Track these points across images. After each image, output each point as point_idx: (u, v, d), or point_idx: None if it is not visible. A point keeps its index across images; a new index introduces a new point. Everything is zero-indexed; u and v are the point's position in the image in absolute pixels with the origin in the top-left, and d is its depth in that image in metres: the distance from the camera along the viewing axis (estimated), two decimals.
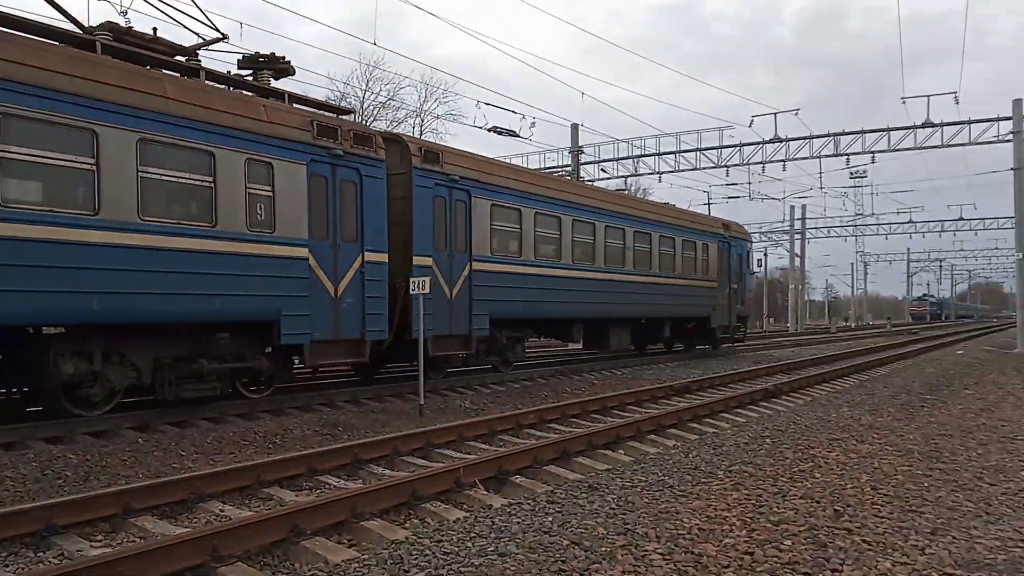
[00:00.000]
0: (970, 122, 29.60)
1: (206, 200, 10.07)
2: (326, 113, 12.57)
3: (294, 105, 11.89)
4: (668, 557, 4.90)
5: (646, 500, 6.31)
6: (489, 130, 17.43)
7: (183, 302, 9.72)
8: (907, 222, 58.55)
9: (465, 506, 6.57)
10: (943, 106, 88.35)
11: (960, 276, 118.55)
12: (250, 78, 11.87)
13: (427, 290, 11.67)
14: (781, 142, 32.32)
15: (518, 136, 18.32)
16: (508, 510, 6.03)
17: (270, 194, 10.81)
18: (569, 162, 33.34)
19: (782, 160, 32.75)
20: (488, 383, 14.91)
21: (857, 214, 57.96)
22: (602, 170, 34.59)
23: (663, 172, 34.78)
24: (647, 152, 34.59)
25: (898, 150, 30.87)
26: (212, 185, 10.10)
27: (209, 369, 10.40)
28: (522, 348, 17.11)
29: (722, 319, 24.59)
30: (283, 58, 12.30)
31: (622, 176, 33.74)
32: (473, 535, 5.33)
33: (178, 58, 10.95)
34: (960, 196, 78.45)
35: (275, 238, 10.83)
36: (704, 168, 34.35)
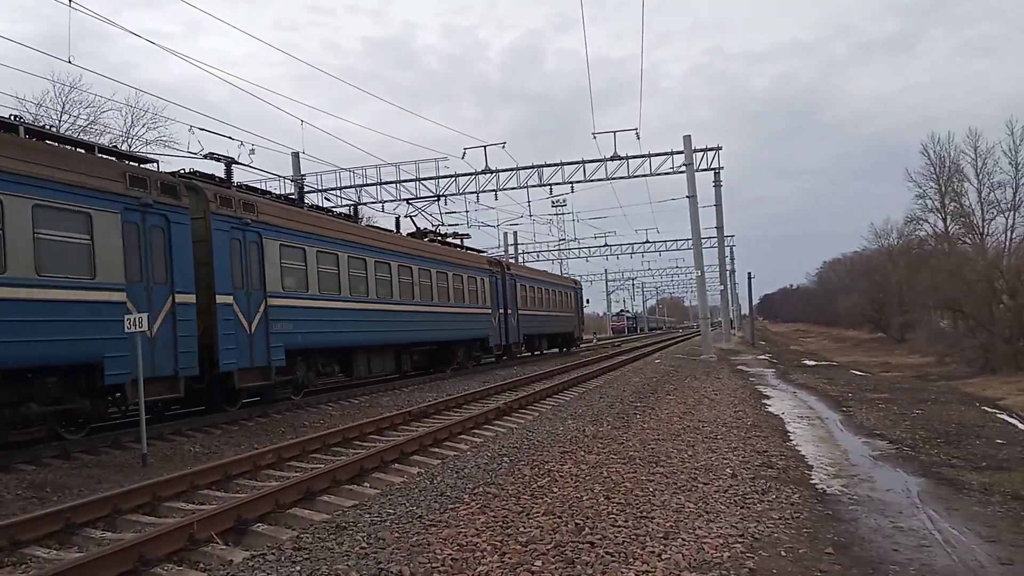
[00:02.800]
0: (650, 155, 33.36)
1: (447, 290, 24.97)
2: (482, 251, 32.60)
3: (472, 250, 30.07)
4: None
5: (397, 534, 6.21)
6: (205, 156, 16.37)
7: (427, 335, 23.79)
8: (603, 246, 64.67)
9: (202, 565, 5.98)
10: (628, 140, 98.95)
11: (649, 292, 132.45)
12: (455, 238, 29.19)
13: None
14: (492, 173, 34.12)
15: (237, 163, 17.41)
16: (251, 563, 5.60)
17: (475, 289, 27.31)
18: (292, 190, 32.47)
19: (494, 190, 34.63)
20: (219, 423, 13.89)
21: (561, 239, 62.76)
22: (326, 198, 34.20)
23: (385, 201, 35.32)
24: (369, 181, 34.88)
25: (592, 180, 33.96)
26: (455, 285, 26.06)
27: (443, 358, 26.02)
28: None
29: (576, 332, 45.79)
30: (467, 234, 30.39)
31: (346, 204, 33.55)
32: None
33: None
34: (646, 221, 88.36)
35: (474, 305, 27.43)
36: (424, 197, 35.35)
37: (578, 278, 50.66)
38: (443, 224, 30.27)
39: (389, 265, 20.87)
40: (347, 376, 19.39)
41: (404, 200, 30.07)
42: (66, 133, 30.48)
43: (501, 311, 30.31)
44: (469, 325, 26.94)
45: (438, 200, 30.33)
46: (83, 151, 12.47)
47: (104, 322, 11.31)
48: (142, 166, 13.26)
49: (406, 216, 28.21)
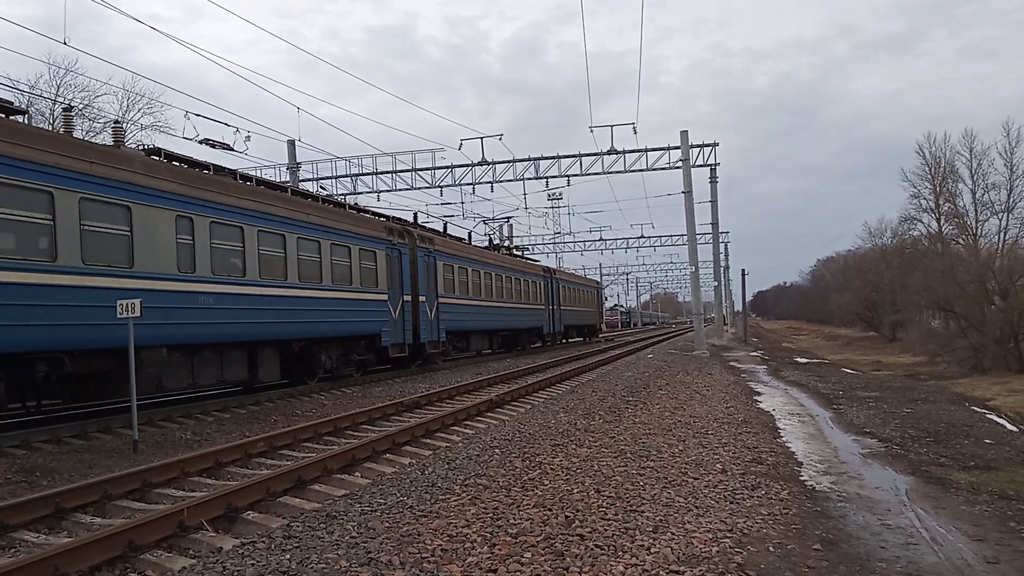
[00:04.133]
0: (647, 150, 33.28)
1: (520, 291, 33.52)
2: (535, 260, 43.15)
3: (531, 260, 40.40)
4: None
5: (387, 524, 6.22)
6: (201, 142, 16.33)
7: (508, 323, 32.23)
8: (598, 240, 64.52)
9: (192, 552, 5.98)
10: (626, 135, 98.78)
11: (643, 287, 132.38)
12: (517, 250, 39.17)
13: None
14: (488, 165, 34.04)
15: (232, 150, 17.38)
16: (241, 551, 5.61)
17: (535, 290, 36.45)
18: (287, 178, 32.37)
19: (490, 182, 34.58)
20: (211, 411, 13.87)
21: (556, 232, 62.68)
22: (321, 187, 34.12)
23: (381, 191, 35.32)
24: (365, 171, 34.79)
25: (589, 174, 33.89)
26: (524, 288, 34.62)
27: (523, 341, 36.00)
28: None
29: (597, 324, 54.49)
30: (527, 247, 47.49)
31: (341, 194, 33.48)
32: None
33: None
34: (641, 216, 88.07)
35: (534, 303, 36.47)
36: (420, 188, 35.34)
37: (598, 280, 63.99)
38: (510, 239, 41.34)
39: (491, 275, 30.01)
40: (465, 351, 28.78)
41: (482, 220, 38.92)
42: (59, 117, 30.36)
43: (550, 307, 39.31)
44: (531, 317, 36.25)
45: (508, 221, 40.58)
46: (368, 215, 22.44)
47: (380, 311, 20.20)
48: (380, 218, 22.57)
49: (484, 235, 39.02)
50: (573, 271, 63.53)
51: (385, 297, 20.37)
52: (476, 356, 30.72)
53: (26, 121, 11.46)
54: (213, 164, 15.26)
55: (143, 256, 12.21)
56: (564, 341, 45.53)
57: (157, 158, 13.68)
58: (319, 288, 17.14)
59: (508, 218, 40.12)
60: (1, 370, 10.37)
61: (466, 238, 31.02)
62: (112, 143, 13.10)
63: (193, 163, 14.79)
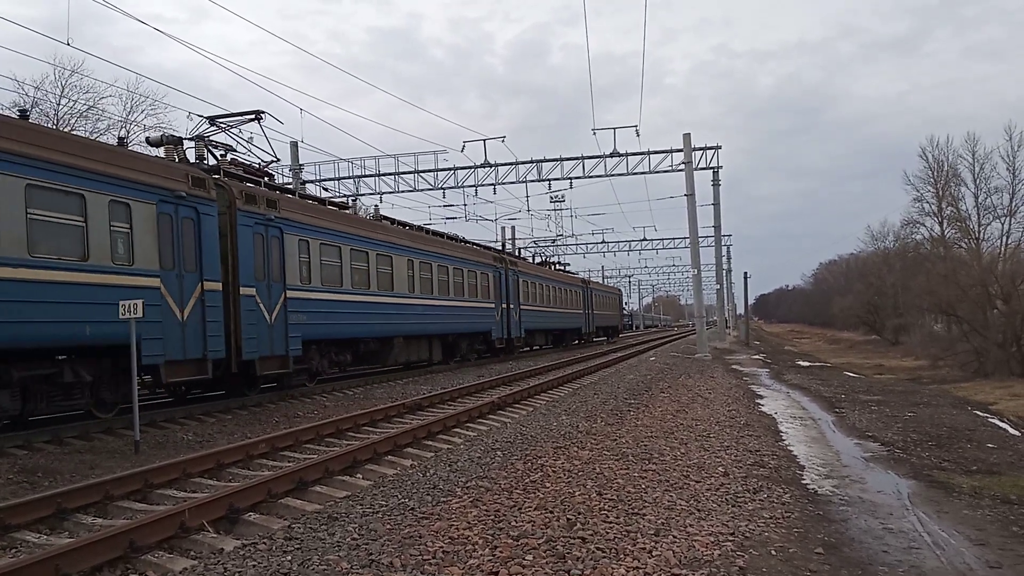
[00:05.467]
0: (649, 153, 33.23)
1: (568, 299, 44.50)
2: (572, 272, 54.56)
3: (571, 273, 51.57)
4: None
5: (388, 526, 6.21)
6: (203, 144, 16.24)
7: (558, 324, 43.10)
8: (601, 242, 64.32)
9: (192, 553, 5.97)
10: (630, 137, 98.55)
11: (645, 290, 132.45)
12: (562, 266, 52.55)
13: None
14: (491, 167, 34.00)
15: (235, 152, 17.31)
16: (242, 552, 5.60)
17: (575, 298, 46.77)
18: (290, 180, 32.38)
19: (492, 184, 34.53)
20: (213, 412, 13.88)
21: (558, 235, 62.66)
22: (324, 189, 34.15)
23: (384, 192, 35.33)
24: (368, 172, 34.78)
25: (591, 177, 33.79)
26: (569, 296, 45.49)
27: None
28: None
29: (618, 326, 62.36)
30: (568, 263, 57.94)
31: (344, 196, 33.48)
32: None
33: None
34: (644, 219, 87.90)
35: (576, 308, 46.56)
36: (423, 190, 35.32)
37: (619, 288, 74.91)
38: (557, 255, 55.11)
39: (549, 287, 39.34)
40: (525, 346, 36.63)
41: (533, 241, 50.90)
42: (63, 117, 30.44)
43: (587, 311, 48.10)
44: (575, 320, 45.32)
45: (554, 243, 53.79)
46: (481, 247, 31.68)
47: (491, 315, 29.18)
48: (489, 250, 31.91)
49: (534, 254, 49.32)
50: (597, 280, 71.28)
51: (493, 305, 29.63)
52: (530, 351, 38.89)
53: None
54: (416, 224, 25.42)
55: (397, 283, 21.40)
56: (594, 340, 53.13)
57: (394, 224, 23.66)
58: (464, 300, 26.58)
59: (554, 240, 56.67)
60: (348, 346, 19.03)
61: (502, 248, 39.74)
62: (373, 216, 23.27)
63: (404, 224, 24.74)
